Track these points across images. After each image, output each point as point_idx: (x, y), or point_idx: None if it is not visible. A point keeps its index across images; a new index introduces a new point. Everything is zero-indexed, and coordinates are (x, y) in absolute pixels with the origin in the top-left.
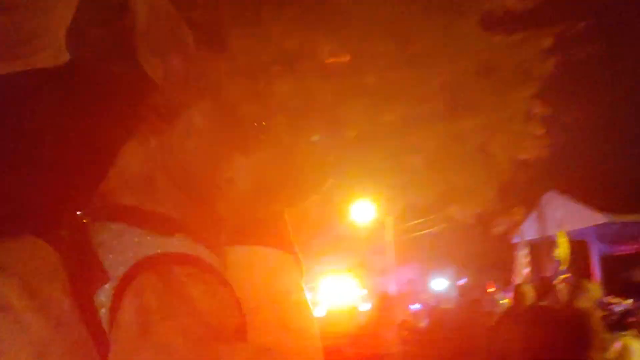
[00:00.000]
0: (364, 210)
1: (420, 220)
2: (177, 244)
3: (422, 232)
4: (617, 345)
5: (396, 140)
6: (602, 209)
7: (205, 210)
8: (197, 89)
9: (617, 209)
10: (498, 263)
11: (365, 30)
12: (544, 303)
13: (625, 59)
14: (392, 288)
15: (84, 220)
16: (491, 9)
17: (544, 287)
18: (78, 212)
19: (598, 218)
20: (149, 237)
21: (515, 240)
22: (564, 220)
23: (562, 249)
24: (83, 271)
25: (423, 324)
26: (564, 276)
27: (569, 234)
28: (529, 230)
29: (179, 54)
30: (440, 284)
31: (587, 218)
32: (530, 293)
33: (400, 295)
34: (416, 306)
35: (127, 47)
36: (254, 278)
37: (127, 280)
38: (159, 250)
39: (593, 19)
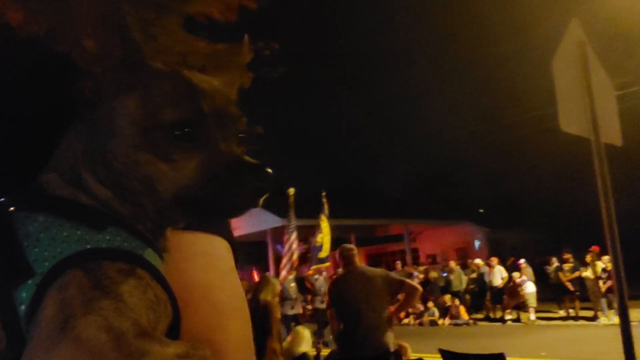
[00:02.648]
0: None
1: None
2: (109, 239)
3: None
4: (290, 334)
5: None
6: (278, 213)
7: (137, 208)
8: (126, 80)
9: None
10: None
11: None
12: None
13: (306, 83)
14: None
15: (10, 209)
16: (195, 13)
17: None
18: (1, 200)
19: (275, 221)
20: (78, 232)
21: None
22: (249, 222)
23: (325, 235)
24: (4, 264)
25: None
26: (325, 265)
27: (251, 235)
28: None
29: (116, 38)
30: None
31: (266, 221)
32: None
33: None
34: None
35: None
36: (189, 267)
37: (51, 276)
38: (88, 246)
39: (284, 44)
